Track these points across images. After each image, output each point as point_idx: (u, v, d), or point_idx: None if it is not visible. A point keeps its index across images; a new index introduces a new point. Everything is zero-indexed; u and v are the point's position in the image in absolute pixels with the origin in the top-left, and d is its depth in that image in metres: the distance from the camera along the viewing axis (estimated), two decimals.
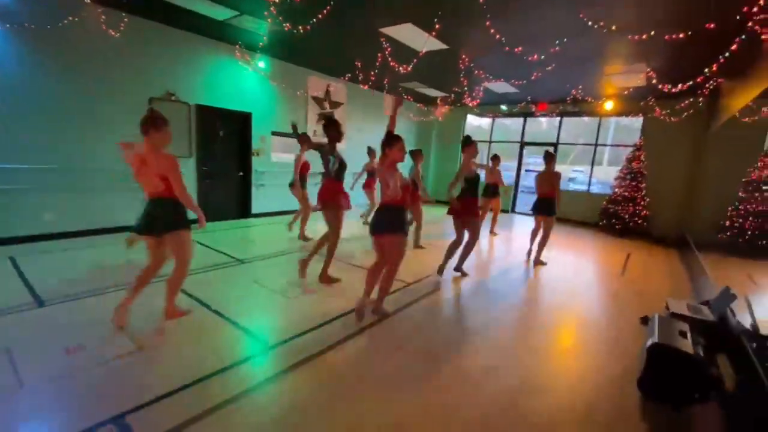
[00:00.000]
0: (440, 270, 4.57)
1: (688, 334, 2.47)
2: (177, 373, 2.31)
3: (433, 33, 4.90)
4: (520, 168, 11.02)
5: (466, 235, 4.47)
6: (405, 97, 10.22)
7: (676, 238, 7.86)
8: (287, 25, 4.85)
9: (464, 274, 4.69)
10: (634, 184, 8.39)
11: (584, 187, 10.39)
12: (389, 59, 5.95)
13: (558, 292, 4.40)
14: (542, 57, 5.24)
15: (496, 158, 7.19)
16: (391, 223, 3.09)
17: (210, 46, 6.34)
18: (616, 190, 8.63)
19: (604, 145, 10.34)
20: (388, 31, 5.18)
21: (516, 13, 4.25)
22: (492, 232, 7.55)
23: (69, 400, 2.03)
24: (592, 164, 9.87)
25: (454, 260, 4.65)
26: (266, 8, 4.55)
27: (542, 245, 5.48)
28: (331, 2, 4.05)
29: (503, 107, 10.38)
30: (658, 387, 2.33)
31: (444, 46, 5.65)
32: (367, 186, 7.29)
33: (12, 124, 4.58)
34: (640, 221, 8.18)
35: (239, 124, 7.13)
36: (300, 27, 4.76)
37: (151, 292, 3.03)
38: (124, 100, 5.44)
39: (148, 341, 2.65)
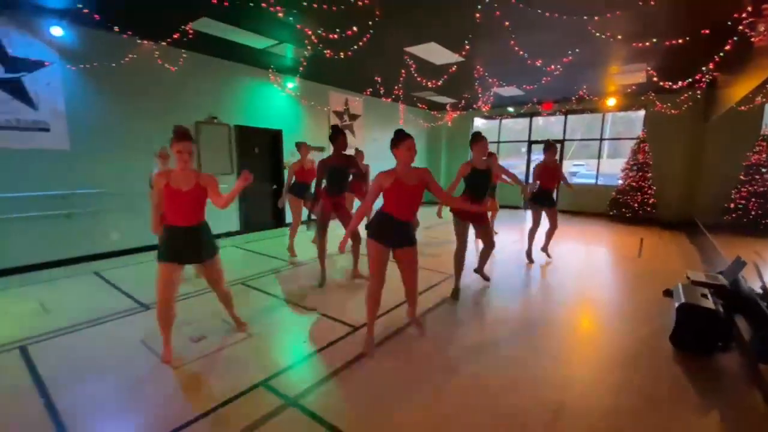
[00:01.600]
0: (455, 294, 3.94)
1: (709, 296, 2.97)
2: (282, 353, 2.82)
3: (464, 53, 5.43)
4: (529, 165, 11.55)
5: (473, 242, 4.32)
6: (419, 105, 10.78)
7: (684, 222, 8.35)
8: (328, 51, 5.40)
9: (486, 278, 4.43)
10: (640, 174, 8.90)
11: (587, 180, 10.93)
12: (414, 74, 6.49)
13: (582, 276, 4.90)
14: (559, 67, 5.78)
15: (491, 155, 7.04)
16: (406, 233, 2.73)
17: (246, 72, 6.91)
18: (622, 181, 9.15)
19: (610, 139, 10.85)
20: (412, 49, 5.73)
21: (535, 30, 4.78)
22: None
23: (217, 373, 2.53)
24: (599, 157, 10.40)
25: (467, 273, 4.35)
26: (306, 38, 5.11)
27: (550, 236, 5.42)
28: (371, 31, 4.59)
29: (510, 109, 10.92)
30: (687, 340, 2.83)
31: (460, 59, 6.20)
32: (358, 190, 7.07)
33: (88, 155, 5.13)
34: (648, 209, 8.67)
35: (271, 140, 7.68)
36: (341, 53, 5.31)
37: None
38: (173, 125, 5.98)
39: (250, 331, 3.15)
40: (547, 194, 5.20)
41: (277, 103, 7.62)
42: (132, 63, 5.32)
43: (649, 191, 8.74)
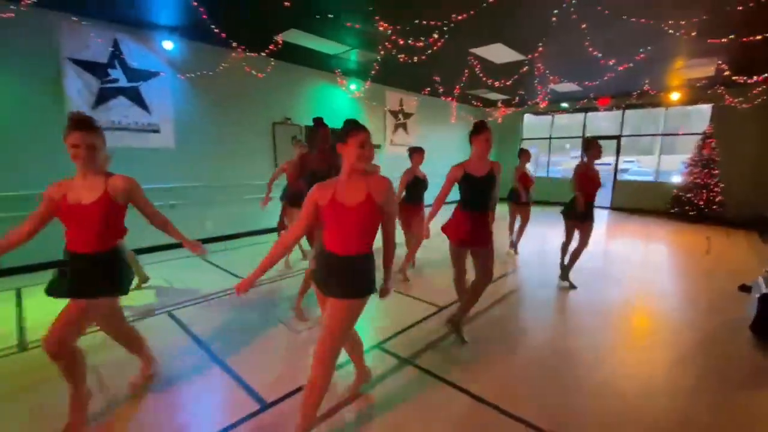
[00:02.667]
0: (456, 330, 3.00)
1: None
2: (375, 330, 3.23)
3: (531, 53, 5.63)
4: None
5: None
6: (472, 103, 10.97)
7: (754, 221, 8.01)
8: (402, 56, 5.79)
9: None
10: (705, 171, 8.60)
11: (640, 178, 10.63)
12: (479, 74, 6.74)
13: (655, 270, 4.98)
14: (631, 65, 5.83)
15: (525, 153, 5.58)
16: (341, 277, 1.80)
17: (315, 75, 7.45)
18: (684, 178, 8.90)
19: (670, 134, 10.49)
20: (477, 50, 5.98)
21: (610, 30, 4.88)
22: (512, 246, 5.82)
23: None
24: (659, 154, 10.10)
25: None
26: (379, 44, 5.51)
27: (577, 257, 4.23)
28: (445, 36, 4.91)
29: (564, 105, 10.83)
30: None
31: (522, 58, 6.36)
32: None
33: (188, 153, 5.84)
34: (715, 207, 8.38)
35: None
36: (414, 57, 5.69)
37: None
38: (254, 127, 6.64)
39: None
40: (589, 206, 4.03)
41: (340, 103, 8.12)
42: (224, 71, 5.97)
43: (716, 189, 8.44)
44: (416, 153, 4.25)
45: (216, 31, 4.97)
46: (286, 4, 4.09)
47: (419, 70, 7.32)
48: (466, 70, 6.72)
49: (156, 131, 5.51)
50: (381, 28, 4.75)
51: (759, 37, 4.56)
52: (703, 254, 5.79)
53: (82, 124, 1.78)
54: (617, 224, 8.55)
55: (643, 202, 9.99)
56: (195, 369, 2.56)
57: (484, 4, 3.98)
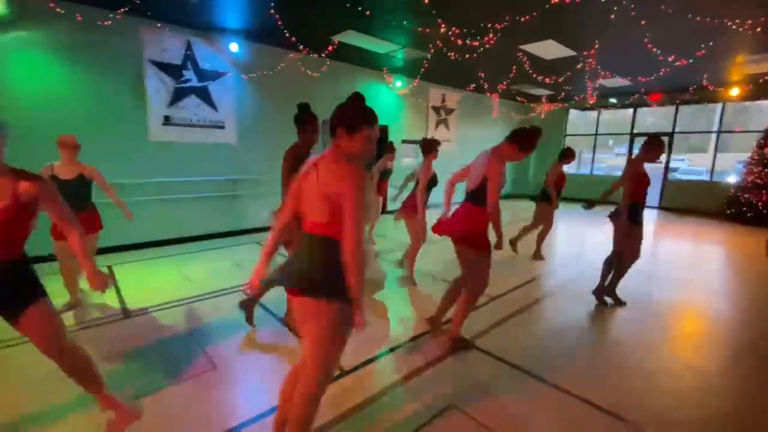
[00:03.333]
0: (458, 342, 2.81)
1: None
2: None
3: (586, 50, 5.63)
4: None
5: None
6: (517, 99, 10.89)
7: None
8: (452, 54, 5.93)
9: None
10: (766, 171, 8.16)
11: (692, 177, 10.16)
12: (528, 70, 6.76)
13: (709, 271, 4.88)
14: (690, 61, 5.68)
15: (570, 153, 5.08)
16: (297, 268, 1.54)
17: (363, 73, 7.72)
18: (742, 177, 8.46)
19: (728, 132, 9.95)
20: (527, 47, 6.00)
21: (669, 27, 4.80)
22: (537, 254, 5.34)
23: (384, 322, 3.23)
24: (715, 152, 9.64)
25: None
26: (430, 42, 5.66)
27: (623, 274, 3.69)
28: (498, 34, 5.01)
29: (612, 100, 10.52)
30: None
31: (572, 53, 6.30)
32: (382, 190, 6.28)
33: (248, 148, 6.28)
34: None
35: (380, 135, 8.44)
36: (466, 55, 5.83)
37: None
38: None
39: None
40: (642, 208, 3.49)
41: (386, 100, 8.34)
42: (281, 71, 6.34)
43: None
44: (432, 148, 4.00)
45: (287, 35, 5.32)
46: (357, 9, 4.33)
47: (465, 66, 7.41)
48: (514, 67, 6.74)
49: (221, 127, 5.96)
50: (442, 30, 4.91)
51: None
52: (763, 257, 5.58)
53: None
54: (668, 225, 8.29)
55: (696, 203, 9.59)
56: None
57: (547, 6, 4.04)
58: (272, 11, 4.51)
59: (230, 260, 4.96)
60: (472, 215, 2.60)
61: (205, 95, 5.74)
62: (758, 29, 4.66)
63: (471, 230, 2.60)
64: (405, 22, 4.65)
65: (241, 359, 2.64)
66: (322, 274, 1.42)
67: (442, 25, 4.80)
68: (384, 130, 8.44)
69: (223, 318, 3.26)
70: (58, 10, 4.34)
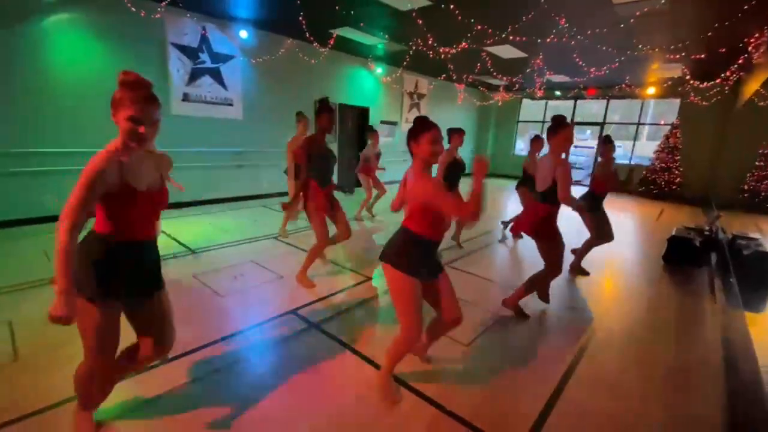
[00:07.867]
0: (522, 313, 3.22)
1: (691, 233, 4.72)
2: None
3: (533, 55, 7.03)
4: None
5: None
6: (479, 88, 12.31)
7: (703, 200, 9.77)
8: (431, 52, 7.13)
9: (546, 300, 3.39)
10: (670, 156, 10.26)
11: (622, 161, 12.24)
12: (489, 68, 8.13)
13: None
14: (606, 72, 7.31)
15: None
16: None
17: (350, 60, 8.70)
18: (653, 162, 10.57)
19: (647, 123, 12.03)
20: (490, 48, 7.34)
21: (592, 49, 6.32)
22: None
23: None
24: (634, 140, 11.72)
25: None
26: (411, 39, 6.81)
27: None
28: (468, 41, 6.27)
29: (557, 92, 12.26)
30: (673, 259, 4.62)
31: (525, 55, 7.73)
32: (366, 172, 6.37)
33: (252, 123, 7.17)
34: (674, 187, 10.10)
35: (361, 116, 9.52)
36: (441, 50, 7.04)
37: None
38: (302, 103, 7.93)
39: None
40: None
41: (367, 85, 9.41)
42: (281, 56, 7.22)
43: (676, 171, 10.13)
44: (455, 134, 4.15)
45: (303, 25, 6.15)
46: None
47: (438, 61, 8.64)
48: (479, 63, 8.08)
49: (230, 104, 6.81)
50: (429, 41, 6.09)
51: (703, 56, 6.06)
52: (654, 220, 7.50)
53: None
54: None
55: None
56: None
57: (524, 18, 5.31)
58: (298, 2, 5.27)
59: (248, 217, 6.00)
60: (538, 212, 2.90)
61: (217, 75, 6.54)
62: (656, 50, 6.30)
63: (539, 228, 2.90)
64: (392, 24, 5.76)
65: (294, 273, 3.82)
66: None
67: (429, 36, 5.99)
68: (364, 111, 9.54)
69: (273, 255, 4.40)
70: None
